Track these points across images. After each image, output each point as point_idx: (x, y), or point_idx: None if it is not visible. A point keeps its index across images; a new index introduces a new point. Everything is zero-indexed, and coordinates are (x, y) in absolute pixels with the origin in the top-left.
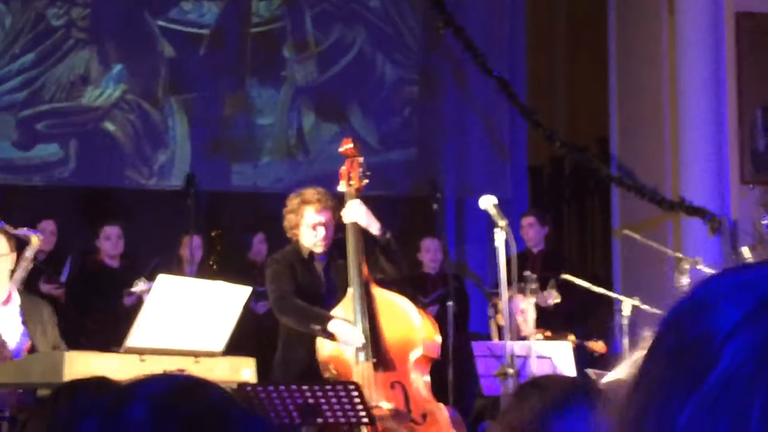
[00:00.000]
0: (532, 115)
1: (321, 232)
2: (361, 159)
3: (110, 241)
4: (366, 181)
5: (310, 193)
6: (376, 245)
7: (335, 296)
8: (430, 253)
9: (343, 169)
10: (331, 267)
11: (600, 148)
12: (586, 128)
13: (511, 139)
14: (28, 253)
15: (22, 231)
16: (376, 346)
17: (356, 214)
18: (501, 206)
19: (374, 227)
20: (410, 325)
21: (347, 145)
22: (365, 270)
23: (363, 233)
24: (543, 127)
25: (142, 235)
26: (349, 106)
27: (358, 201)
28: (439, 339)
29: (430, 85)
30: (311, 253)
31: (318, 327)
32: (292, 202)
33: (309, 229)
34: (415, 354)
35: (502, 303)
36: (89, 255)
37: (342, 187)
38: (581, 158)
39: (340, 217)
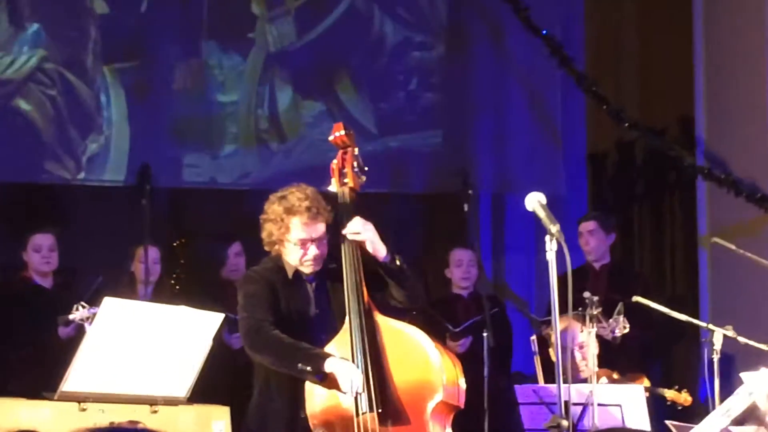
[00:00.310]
0: (592, 86)
1: (312, 250)
2: (356, 150)
3: (40, 254)
4: (363, 178)
5: (297, 197)
6: (383, 271)
7: (328, 328)
8: (461, 269)
9: (335, 163)
10: (324, 289)
11: (682, 131)
12: (663, 105)
13: (565, 119)
14: None
15: None
16: (382, 393)
17: (363, 233)
18: (553, 206)
19: (381, 252)
20: (426, 364)
21: (338, 133)
22: (366, 294)
23: (362, 251)
24: (607, 102)
25: (82, 245)
26: (337, 77)
27: (361, 221)
28: (463, 384)
29: (454, 47)
30: (297, 272)
31: (307, 367)
32: (274, 208)
33: (296, 246)
34: (434, 401)
35: (554, 334)
36: (13, 272)
37: (333, 186)
38: (658, 144)
39: (336, 228)
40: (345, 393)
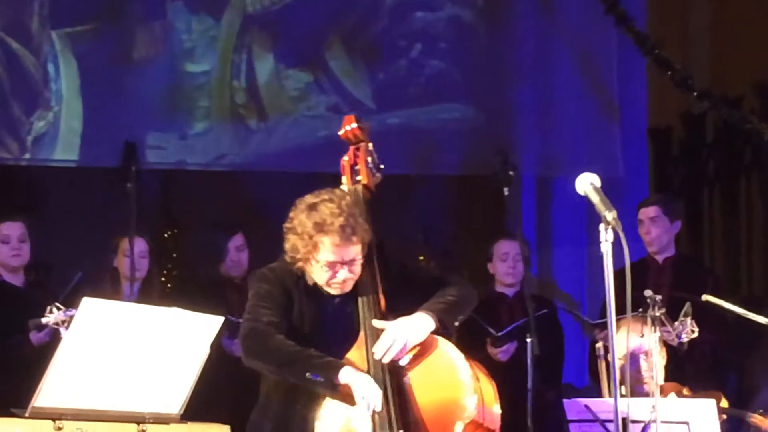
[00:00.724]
0: (654, 49)
1: (342, 274)
2: (370, 145)
3: (9, 246)
4: (379, 176)
5: (330, 210)
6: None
7: (345, 347)
8: (506, 263)
9: (345, 160)
10: (347, 303)
11: (762, 101)
12: (738, 72)
13: (622, 88)
14: None
15: None
16: (403, 413)
17: (400, 342)
18: (608, 190)
19: (429, 328)
20: (455, 381)
21: (349, 126)
22: (383, 302)
23: (378, 250)
24: (673, 67)
25: (58, 236)
26: (327, 43)
27: (387, 335)
28: (498, 408)
29: (490, 4)
30: (317, 284)
31: (318, 377)
32: (301, 219)
33: (324, 268)
34: (463, 423)
35: (609, 340)
36: None
37: (344, 185)
38: (732, 116)
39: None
40: (360, 409)
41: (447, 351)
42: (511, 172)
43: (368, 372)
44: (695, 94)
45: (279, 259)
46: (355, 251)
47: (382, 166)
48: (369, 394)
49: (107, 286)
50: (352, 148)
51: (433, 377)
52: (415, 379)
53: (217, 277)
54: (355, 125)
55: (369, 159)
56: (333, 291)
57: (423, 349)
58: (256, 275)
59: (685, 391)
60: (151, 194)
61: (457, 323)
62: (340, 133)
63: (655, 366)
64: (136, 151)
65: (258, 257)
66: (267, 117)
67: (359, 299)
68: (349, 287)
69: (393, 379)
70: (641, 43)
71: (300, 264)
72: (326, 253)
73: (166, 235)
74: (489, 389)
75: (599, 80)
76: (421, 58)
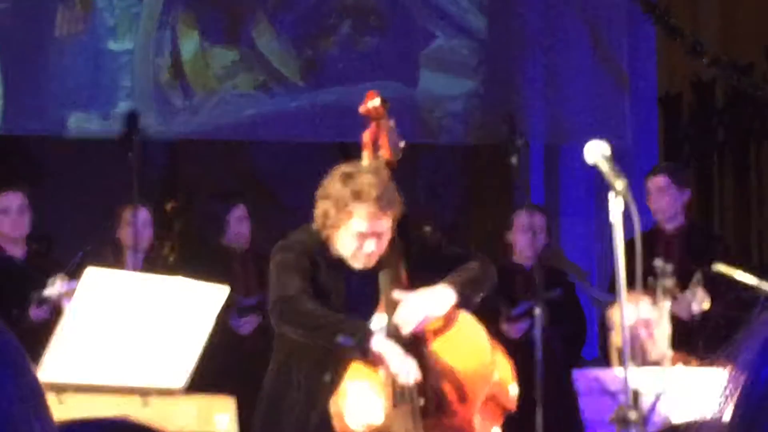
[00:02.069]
0: (664, 16)
1: (369, 246)
2: (392, 122)
3: (9, 217)
4: (400, 152)
5: (367, 180)
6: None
7: (369, 318)
8: (527, 235)
9: (366, 135)
10: (373, 278)
11: None
12: (748, 38)
13: (632, 55)
14: None
15: None
16: (423, 383)
17: (418, 317)
18: (617, 158)
19: (451, 302)
20: (476, 354)
21: (372, 103)
22: (404, 276)
23: (400, 226)
24: (682, 34)
25: (57, 207)
26: (253, 19)
27: (405, 309)
28: (514, 388)
29: None
30: (343, 257)
31: (350, 341)
32: (337, 188)
33: (353, 238)
34: (483, 395)
35: (620, 312)
36: None
37: (365, 161)
38: (743, 83)
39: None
40: (397, 377)
41: (469, 325)
42: (519, 141)
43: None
44: (705, 60)
45: (300, 229)
46: (387, 224)
47: (402, 143)
48: (405, 364)
49: (110, 257)
50: (373, 123)
51: (455, 350)
52: (436, 351)
53: (220, 248)
54: (377, 101)
55: (390, 135)
56: (357, 264)
57: (445, 322)
58: (278, 246)
59: (693, 363)
60: (153, 166)
61: (477, 299)
62: (361, 109)
63: (663, 335)
64: (137, 121)
65: (264, 229)
66: (192, 95)
67: (381, 273)
68: (372, 262)
69: (414, 350)
70: (650, 10)
71: (327, 232)
72: (359, 222)
73: (168, 208)
74: (507, 368)
75: (608, 48)
76: (352, 35)
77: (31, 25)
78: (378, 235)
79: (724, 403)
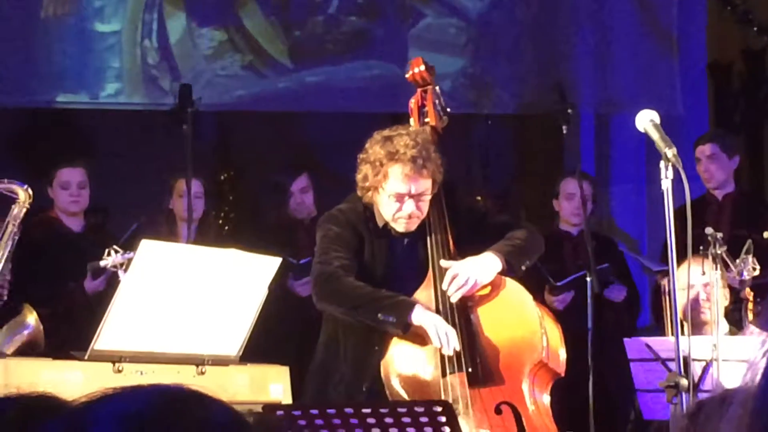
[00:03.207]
0: None
1: (408, 206)
2: (437, 88)
3: (68, 192)
4: (446, 119)
5: (404, 142)
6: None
7: (416, 288)
8: (572, 203)
9: (413, 102)
10: (416, 245)
11: None
12: None
13: (681, 23)
14: (16, 211)
15: (3, 184)
16: (472, 350)
17: (471, 282)
18: (668, 127)
19: (496, 269)
20: (525, 321)
21: (418, 68)
22: (452, 244)
23: (448, 193)
24: (733, 2)
25: (112, 179)
26: (240, 1)
27: (456, 267)
28: (564, 353)
29: None
30: (388, 225)
31: (390, 317)
32: (375, 150)
33: (390, 199)
34: (532, 362)
35: (671, 278)
36: (37, 212)
37: (413, 127)
38: None
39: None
40: (438, 347)
41: (516, 292)
42: (569, 110)
43: (437, 311)
44: (756, 29)
45: (346, 200)
46: (425, 185)
47: (448, 109)
48: (445, 336)
49: (164, 228)
50: (419, 90)
51: (502, 318)
52: (483, 318)
53: (280, 219)
54: (423, 67)
55: (436, 101)
56: (399, 227)
57: (492, 290)
58: (324, 217)
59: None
60: (207, 137)
61: (524, 267)
62: (407, 75)
63: (716, 304)
64: (191, 93)
65: (327, 200)
66: (180, 77)
67: (428, 240)
68: (414, 225)
69: (461, 318)
70: None
71: (369, 195)
72: (396, 182)
73: (222, 178)
74: (555, 333)
75: (657, 15)
76: (337, 14)
77: (17, 7)
78: (417, 197)
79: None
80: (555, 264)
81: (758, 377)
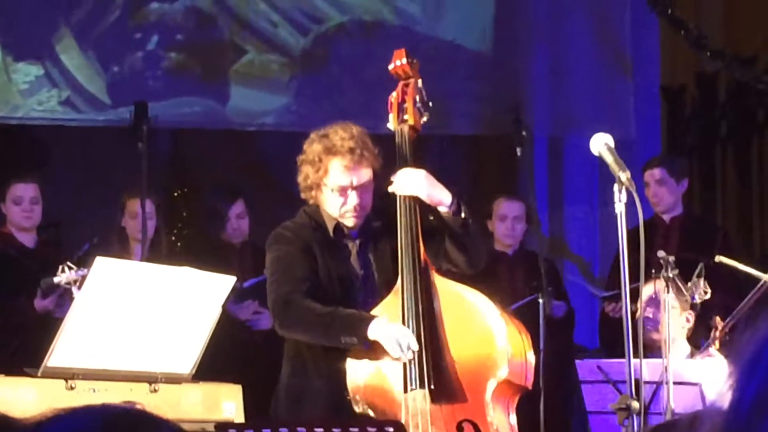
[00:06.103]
0: (668, 9)
1: (353, 199)
2: (419, 83)
3: (20, 207)
4: (426, 116)
5: (340, 136)
6: (441, 226)
7: (376, 293)
8: (504, 224)
9: (393, 96)
10: (371, 247)
11: None
12: (751, 30)
13: (635, 47)
14: None
15: None
16: (436, 367)
17: (414, 186)
18: (621, 149)
19: (444, 200)
20: (490, 335)
21: (399, 61)
22: (423, 250)
23: (420, 202)
24: (686, 27)
25: (65, 195)
26: (56, 35)
27: (408, 172)
28: (532, 359)
29: None
30: (338, 227)
31: (352, 338)
32: (313, 148)
33: (334, 193)
34: (496, 380)
35: (623, 300)
36: None
37: (391, 123)
38: (746, 75)
39: (387, 179)
40: (396, 358)
41: (483, 305)
42: (523, 132)
43: (403, 319)
44: (708, 53)
45: (297, 216)
46: (366, 175)
47: (430, 104)
48: (400, 338)
49: (115, 246)
50: (400, 84)
51: (467, 333)
52: (449, 333)
53: (219, 242)
54: (405, 60)
55: (417, 97)
56: (348, 222)
57: (460, 303)
58: (271, 237)
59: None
60: (161, 155)
61: (469, 231)
62: (390, 67)
63: (666, 326)
64: (147, 111)
65: (263, 224)
66: None
67: (399, 245)
68: (361, 218)
69: (426, 332)
70: (654, 2)
71: (312, 195)
72: (337, 174)
73: (176, 195)
74: (521, 346)
75: (612, 39)
76: (157, 50)
77: None
78: (359, 188)
79: (725, 394)
80: (490, 284)
81: (727, 400)
